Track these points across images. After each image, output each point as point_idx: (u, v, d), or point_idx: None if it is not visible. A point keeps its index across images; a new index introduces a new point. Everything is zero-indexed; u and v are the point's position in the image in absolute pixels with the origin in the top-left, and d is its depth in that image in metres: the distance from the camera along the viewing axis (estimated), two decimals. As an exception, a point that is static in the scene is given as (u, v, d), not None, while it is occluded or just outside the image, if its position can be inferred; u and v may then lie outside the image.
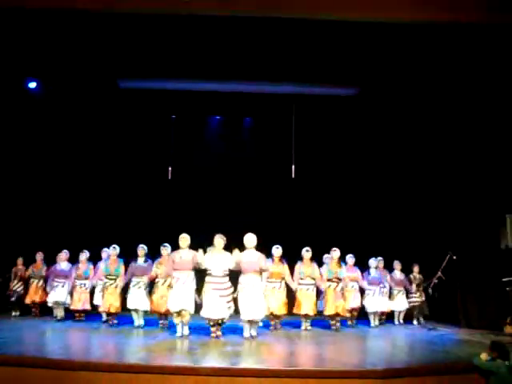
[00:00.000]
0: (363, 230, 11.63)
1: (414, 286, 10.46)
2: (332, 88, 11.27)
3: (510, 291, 8.70)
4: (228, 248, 8.18)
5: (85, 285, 9.97)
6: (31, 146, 11.63)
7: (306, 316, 9.37)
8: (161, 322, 9.16)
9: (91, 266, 10.10)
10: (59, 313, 10.09)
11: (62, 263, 10.19)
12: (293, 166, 11.35)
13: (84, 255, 10.10)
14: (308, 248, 9.56)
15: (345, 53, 9.65)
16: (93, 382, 5.73)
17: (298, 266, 9.46)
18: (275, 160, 12.12)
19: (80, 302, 9.87)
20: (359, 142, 12.18)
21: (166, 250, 9.22)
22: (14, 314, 10.59)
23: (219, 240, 8.12)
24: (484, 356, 5.98)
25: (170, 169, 11.66)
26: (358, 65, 10.12)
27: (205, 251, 8.08)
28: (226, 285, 8.01)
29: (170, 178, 11.67)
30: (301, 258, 9.54)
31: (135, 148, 12.15)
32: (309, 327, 9.36)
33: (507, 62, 8.89)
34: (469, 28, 8.27)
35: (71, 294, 10.00)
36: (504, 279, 8.78)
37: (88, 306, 9.96)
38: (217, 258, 8.04)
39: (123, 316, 9.57)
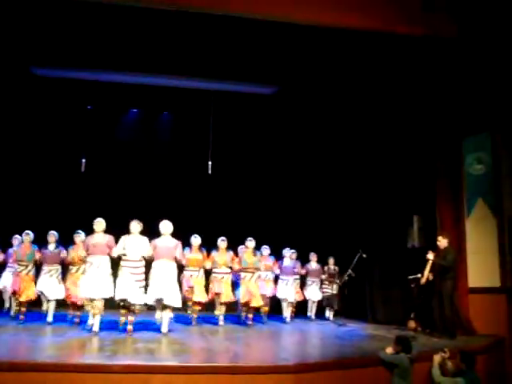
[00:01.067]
0: (279, 224, 11.90)
1: (325, 277, 10.79)
2: (251, 86, 11.36)
3: (414, 288, 9.10)
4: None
5: None
6: None
7: (222, 304, 9.36)
8: (70, 314, 8.91)
9: None
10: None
11: None
12: (209, 162, 11.36)
13: None
14: (223, 238, 9.59)
15: (265, 52, 9.74)
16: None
17: (213, 255, 9.48)
18: (192, 155, 12.11)
19: None
20: (277, 140, 12.40)
21: (79, 237, 8.96)
22: None
23: (135, 225, 7.89)
24: (389, 350, 6.26)
25: (83, 161, 11.32)
26: (277, 64, 10.25)
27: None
28: (141, 270, 7.80)
29: (83, 170, 11.33)
30: (216, 248, 9.56)
31: (49, 137, 11.74)
32: (221, 322, 9.39)
33: (408, 68, 9.36)
34: (379, 35, 8.62)
35: None
36: (409, 277, 9.16)
37: None
38: (133, 242, 7.81)
39: (30, 312, 9.21)
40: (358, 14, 8.21)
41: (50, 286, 8.83)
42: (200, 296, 9.27)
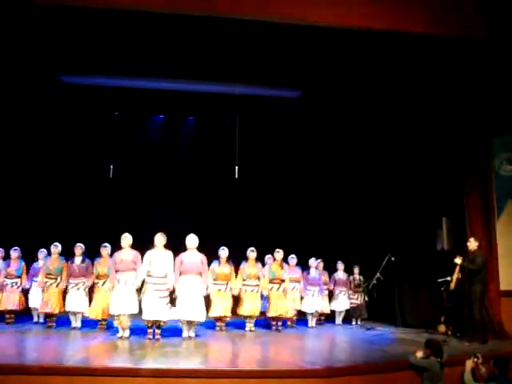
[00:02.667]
0: (306, 231, 11.82)
1: (352, 287, 10.67)
2: (276, 90, 11.36)
3: (444, 292, 8.97)
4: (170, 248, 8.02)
5: (16, 283, 9.44)
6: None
7: (250, 317, 9.32)
8: (100, 322, 8.88)
9: (23, 264, 9.59)
10: None
11: None
12: (236, 167, 11.35)
13: (16, 253, 9.54)
14: (253, 248, 9.48)
15: (289, 56, 9.72)
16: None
17: (243, 267, 9.35)
18: (218, 160, 12.13)
19: (10, 302, 9.30)
20: (303, 144, 12.38)
21: (105, 250, 8.98)
22: None
23: (160, 238, 7.90)
24: (419, 354, 6.15)
25: (111, 167, 11.43)
26: (302, 68, 10.23)
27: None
28: (166, 286, 7.79)
29: (111, 176, 11.44)
30: (245, 259, 9.46)
31: (77, 145, 11.91)
32: (252, 328, 9.31)
33: (435, 69, 9.21)
34: (406, 36, 8.51)
35: (2, 293, 9.40)
36: (439, 280, 9.04)
37: (18, 307, 9.39)
38: (158, 257, 7.82)
39: (59, 317, 9.27)
40: (385, 15, 8.10)
41: (78, 300, 8.83)
42: (226, 312, 9.16)
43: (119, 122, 11.94)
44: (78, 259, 9.04)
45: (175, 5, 7.77)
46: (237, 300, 9.40)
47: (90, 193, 11.82)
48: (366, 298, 10.68)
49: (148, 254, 7.86)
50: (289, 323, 10.05)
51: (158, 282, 7.74)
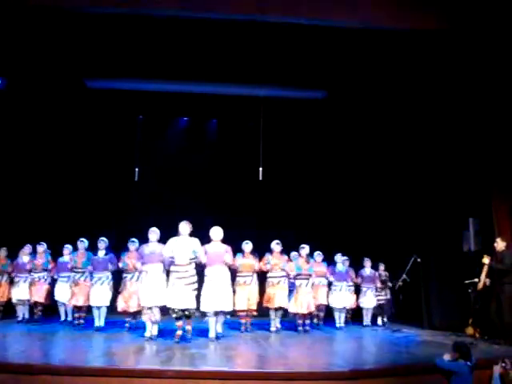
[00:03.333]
0: (331, 230, 11.76)
1: (378, 284, 10.61)
2: (300, 91, 11.34)
3: (472, 293, 8.85)
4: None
5: (44, 277, 9.72)
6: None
7: (277, 310, 9.23)
8: (127, 320, 8.97)
9: (50, 258, 9.84)
10: (22, 312, 9.88)
11: (25, 257, 9.97)
12: (260, 168, 11.36)
13: (42, 247, 9.86)
14: (278, 241, 9.41)
15: (312, 56, 9.70)
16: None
17: (267, 258, 9.33)
18: (242, 162, 12.15)
19: (38, 295, 9.57)
20: (327, 144, 12.35)
21: (133, 245, 9.07)
22: None
23: (184, 226, 7.78)
24: (447, 357, 6.07)
25: (136, 170, 11.54)
26: (326, 69, 10.19)
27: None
28: (191, 273, 7.66)
29: (136, 179, 11.55)
30: (270, 251, 9.42)
31: (103, 148, 12.10)
32: (278, 325, 9.25)
33: (468, 68, 9.06)
34: (431, 34, 8.39)
35: (30, 287, 9.72)
36: (466, 281, 8.93)
37: (47, 300, 9.66)
38: (182, 245, 7.70)
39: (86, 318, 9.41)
40: (410, 14, 7.99)
41: (101, 294, 8.92)
42: (251, 305, 9.22)
43: (144, 125, 12.05)
44: (101, 253, 9.11)
45: (198, 8, 7.79)
46: (263, 294, 9.38)
47: (115, 195, 11.97)
48: (389, 296, 10.62)
49: (171, 240, 7.78)
50: (315, 320, 10.02)
51: (181, 269, 7.62)
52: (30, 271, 9.83)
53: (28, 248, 10.06)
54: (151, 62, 9.98)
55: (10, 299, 10.15)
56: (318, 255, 10.04)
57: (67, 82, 10.86)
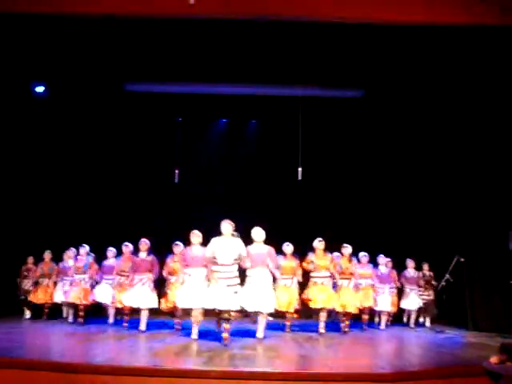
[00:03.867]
0: (372, 231, 11.60)
1: (422, 284, 10.44)
2: (338, 90, 11.28)
3: (518, 293, 8.66)
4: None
5: (84, 279, 9.74)
6: (39, 149, 11.70)
7: (322, 311, 8.98)
8: (176, 322, 9.06)
9: (91, 260, 9.90)
10: (69, 313, 10.09)
11: (70, 261, 10.15)
12: (299, 169, 11.32)
13: (83, 249, 9.89)
14: (321, 239, 9.15)
15: (350, 55, 9.63)
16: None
17: (310, 257, 9.07)
18: (282, 162, 12.14)
19: (79, 298, 9.60)
20: (366, 144, 12.20)
21: (178, 248, 9.15)
22: (26, 315, 10.58)
23: (227, 225, 7.59)
24: (494, 359, 5.94)
25: (176, 171, 11.67)
26: (364, 67, 10.11)
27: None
28: (234, 274, 7.50)
29: (176, 180, 11.68)
30: (313, 250, 9.20)
31: (142, 150, 12.23)
32: (322, 330, 8.96)
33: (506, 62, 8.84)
34: (476, 30, 8.19)
35: (71, 288, 9.80)
36: (511, 282, 8.73)
37: (87, 301, 9.67)
38: (224, 244, 7.52)
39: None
40: (451, 8, 7.81)
41: (143, 295, 8.82)
42: (291, 307, 9.12)
43: (183, 127, 12.18)
44: (142, 254, 9.03)
45: (236, 10, 7.82)
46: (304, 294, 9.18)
47: (157, 196, 12.11)
48: (433, 297, 10.46)
49: (213, 241, 7.61)
50: (363, 320, 9.82)
51: (223, 270, 7.45)
52: (72, 273, 9.92)
53: (72, 251, 10.21)
54: (190, 65, 10.07)
55: (54, 302, 10.37)
56: (364, 256, 9.91)
57: (107, 86, 11.11)
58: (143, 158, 12.24)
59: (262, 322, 8.13)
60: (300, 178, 11.25)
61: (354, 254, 9.67)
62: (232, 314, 7.45)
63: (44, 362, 5.97)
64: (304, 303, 9.22)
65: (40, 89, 11.33)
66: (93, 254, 10.09)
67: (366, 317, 9.90)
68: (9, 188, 10.97)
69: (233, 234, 7.61)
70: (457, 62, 9.36)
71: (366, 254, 9.95)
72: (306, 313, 9.54)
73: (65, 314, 10.29)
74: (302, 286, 9.39)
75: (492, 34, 8.23)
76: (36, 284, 10.60)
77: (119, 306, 9.29)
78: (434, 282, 10.45)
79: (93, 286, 9.93)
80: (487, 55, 8.90)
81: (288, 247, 9.35)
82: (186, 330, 8.46)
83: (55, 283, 10.46)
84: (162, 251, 9.47)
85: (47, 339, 8.45)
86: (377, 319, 10.20)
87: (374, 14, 7.78)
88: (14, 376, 5.77)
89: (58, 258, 10.60)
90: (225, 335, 7.40)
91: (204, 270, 7.87)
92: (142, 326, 8.87)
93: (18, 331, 8.97)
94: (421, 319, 10.57)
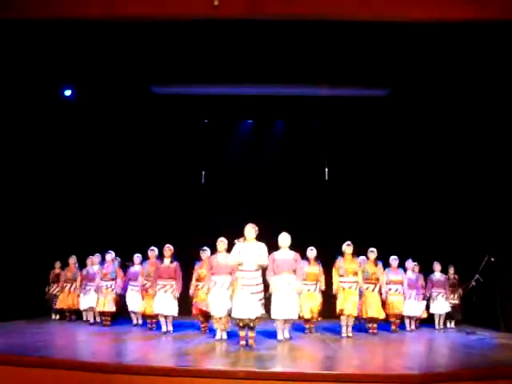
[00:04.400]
0: (398, 232, 11.46)
1: (448, 287, 10.29)
2: (363, 89, 11.20)
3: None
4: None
5: (111, 286, 9.77)
6: (67, 153, 11.87)
7: (349, 317, 8.70)
8: (203, 325, 9.07)
9: (117, 267, 9.95)
10: (91, 317, 10.20)
11: (95, 266, 10.18)
12: (326, 169, 11.27)
13: (110, 255, 9.89)
14: (349, 242, 8.91)
15: (375, 54, 9.57)
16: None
17: (339, 263, 8.85)
18: (308, 163, 12.12)
19: (106, 305, 9.65)
20: (393, 143, 12.07)
21: (205, 253, 9.16)
22: (53, 317, 10.75)
23: (250, 229, 7.46)
24: (525, 361, 5.83)
25: (203, 173, 11.72)
26: (389, 66, 10.03)
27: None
28: (258, 280, 7.35)
29: (203, 182, 11.73)
30: (341, 254, 8.94)
31: (168, 153, 12.32)
32: (350, 333, 8.74)
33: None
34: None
35: (97, 296, 9.84)
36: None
37: (114, 308, 9.74)
38: (249, 249, 7.37)
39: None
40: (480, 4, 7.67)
41: (166, 302, 8.81)
42: (314, 313, 9.13)
43: (209, 128, 12.23)
44: (166, 260, 8.97)
45: (260, 10, 7.82)
46: (333, 299, 8.97)
47: (183, 199, 12.17)
48: (458, 301, 10.28)
49: (237, 246, 7.46)
50: (393, 327, 9.65)
51: (248, 276, 7.30)
52: (98, 279, 9.91)
53: (97, 257, 10.26)
54: (215, 67, 10.13)
55: (78, 309, 10.44)
56: (394, 260, 9.73)
57: (134, 89, 11.23)
58: (170, 160, 12.32)
59: (286, 327, 8.12)
60: (327, 178, 11.18)
61: (380, 258, 9.54)
62: (257, 321, 7.32)
63: (73, 362, 6.07)
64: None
65: (68, 92, 11.52)
66: (119, 258, 10.19)
67: (396, 322, 9.70)
68: (37, 193, 11.15)
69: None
70: (481, 60, 9.21)
71: (395, 257, 9.78)
72: (332, 314, 9.41)
73: (87, 318, 10.35)
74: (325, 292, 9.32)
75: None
76: (62, 289, 10.70)
77: (141, 311, 9.36)
78: (458, 287, 10.25)
79: (119, 294, 9.97)
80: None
81: (312, 252, 9.31)
82: (213, 332, 8.47)
83: (79, 289, 10.45)
84: (188, 255, 9.51)
85: (75, 339, 8.60)
86: (406, 321, 10.03)
87: (399, 12, 7.71)
88: (40, 375, 5.87)
89: (84, 264, 10.59)
90: (250, 342, 7.36)
91: (229, 277, 7.88)
92: (169, 326, 8.96)
93: (45, 331, 9.13)
94: (447, 323, 10.38)
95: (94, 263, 10.29)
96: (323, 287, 9.24)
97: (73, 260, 10.70)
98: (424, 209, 11.78)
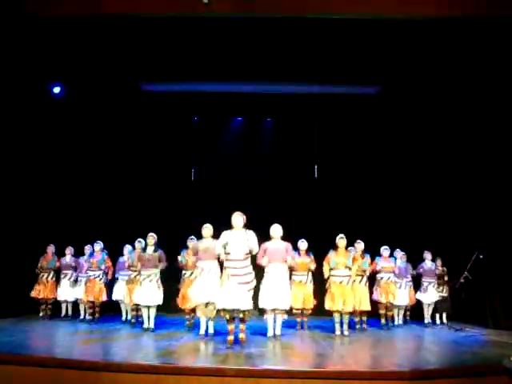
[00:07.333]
0: (387, 226, 11.48)
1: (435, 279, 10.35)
2: (353, 87, 11.21)
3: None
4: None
5: (99, 276, 9.72)
6: (57, 149, 11.79)
7: (343, 314, 8.51)
8: (187, 319, 8.97)
9: (106, 257, 9.89)
10: (66, 309, 10.25)
11: (83, 257, 10.13)
12: (315, 166, 11.27)
13: (98, 246, 9.83)
14: (342, 235, 8.69)
15: (366, 51, 9.58)
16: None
17: (330, 255, 8.60)
18: (297, 160, 12.11)
19: (92, 294, 9.57)
20: (383, 140, 12.10)
21: (192, 242, 9.05)
22: (41, 314, 10.44)
23: (238, 217, 7.22)
24: (514, 357, 5.85)
25: (193, 170, 11.70)
26: (379, 63, 10.05)
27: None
28: (247, 270, 7.08)
29: (193, 179, 11.70)
30: (334, 247, 8.69)
31: (159, 150, 12.28)
32: (346, 331, 8.59)
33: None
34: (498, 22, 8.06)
35: (85, 285, 9.73)
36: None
37: (103, 298, 9.69)
38: (236, 238, 7.14)
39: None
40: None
41: (149, 292, 8.62)
42: (307, 304, 9.17)
43: (199, 125, 12.20)
44: (150, 249, 8.82)
45: (251, 8, 7.79)
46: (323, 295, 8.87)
47: (174, 195, 12.14)
48: (446, 294, 10.31)
49: (224, 233, 7.23)
50: (382, 321, 9.68)
51: (236, 265, 7.04)
52: (86, 270, 9.87)
53: (88, 248, 10.18)
54: (204, 64, 10.11)
55: (55, 298, 10.30)
56: (385, 250, 9.74)
57: (123, 86, 11.18)
58: (160, 156, 12.28)
59: (278, 320, 8.08)
60: (316, 175, 11.19)
61: (369, 250, 9.57)
62: (247, 313, 7.11)
63: (62, 360, 6.03)
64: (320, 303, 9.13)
65: (57, 90, 11.44)
66: (106, 251, 10.12)
67: (389, 313, 9.78)
68: (26, 191, 11.01)
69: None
70: (474, 57, 9.24)
71: (387, 247, 9.82)
72: (322, 310, 9.40)
73: (81, 312, 10.31)
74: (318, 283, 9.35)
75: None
76: (39, 278, 10.32)
77: (128, 302, 9.35)
78: (446, 278, 10.31)
79: (107, 284, 9.97)
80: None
81: (303, 243, 9.38)
82: (199, 329, 8.38)
83: (57, 279, 10.33)
84: (178, 248, 9.48)
85: (60, 338, 8.47)
86: (394, 313, 10.04)
87: (388, 8, 7.72)
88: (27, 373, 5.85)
89: (79, 254, 10.45)
90: (241, 336, 7.23)
91: (216, 262, 7.79)
92: (151, 323, 8.77)
93: (33, 329, 9.01)
94: (436, 317, 10.45)
95: (69, 253, 10.27)
96: (313, 267, 9.17)
97: (51, 249, 10.37)
98: (413, 203, 11.80)
